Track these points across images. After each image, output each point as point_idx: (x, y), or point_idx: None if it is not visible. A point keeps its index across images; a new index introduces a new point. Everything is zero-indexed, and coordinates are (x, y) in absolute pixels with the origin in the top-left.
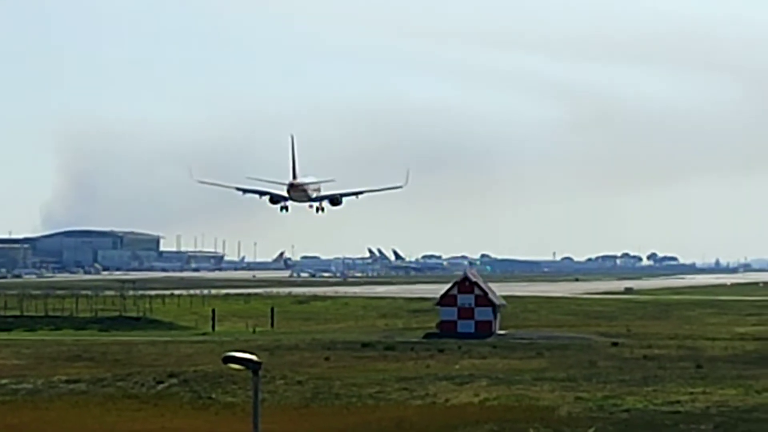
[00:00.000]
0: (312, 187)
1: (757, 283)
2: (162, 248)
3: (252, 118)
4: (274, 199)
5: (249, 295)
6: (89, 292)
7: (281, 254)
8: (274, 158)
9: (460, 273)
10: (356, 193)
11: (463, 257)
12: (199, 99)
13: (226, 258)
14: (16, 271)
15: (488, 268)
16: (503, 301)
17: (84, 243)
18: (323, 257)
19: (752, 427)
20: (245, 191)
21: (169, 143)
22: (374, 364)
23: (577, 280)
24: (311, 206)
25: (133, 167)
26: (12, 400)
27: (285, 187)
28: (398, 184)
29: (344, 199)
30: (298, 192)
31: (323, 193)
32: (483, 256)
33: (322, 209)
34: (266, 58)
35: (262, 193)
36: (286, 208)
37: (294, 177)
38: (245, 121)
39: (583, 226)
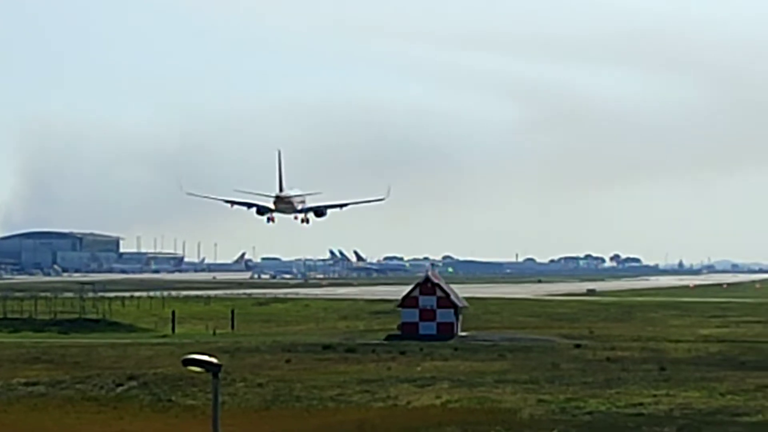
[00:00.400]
0: (297, 199)
1: (720, 285)
2: (122, 250)
3: (216, 119)
4: (261, 210)
5: (209, 296)
6: (48, 294)
7: (242, 255)
8: (237, 158)
9: (422, 274)
10: (341, 205)
11: (425, 259)
12: (160, 100)
13: (186, 259)
14: None
15: (450, 269)
16: (465, 303)
17: (43, 244)
18: (284, 259)
19: (716, 430)
20: (233, 203)
21: (128, 144)
22: (335, 366)
23: (539, 281)
24: (296, 217)
25: (93, 168)
26: None
27: (272, 200)
28: (380, 197)
29: (328, 211)
30: (284, 204)
31: (308, 204)
32: (445, 257)
33: (307, 221)
34: (230, 60)
35: (249, 205)
36: (273, 219)
37: (281, 189)
38: (209, 121)
39: (546, 228)
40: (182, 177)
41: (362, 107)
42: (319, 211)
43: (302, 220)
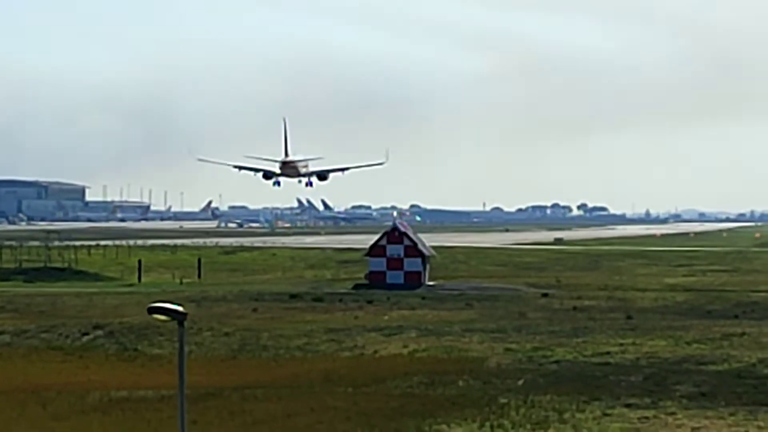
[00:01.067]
0: (302, 164)
1: (687, 234)
2: (88, 198)
3: (174, 65)
4: (267, 175)
5: (176, 245)
6: (13, 243)
7: (208, 204)
8: (194, 104)
9: (390, 223)
10: (342, 169)
11: (393, 207)
12: (128, 49)
13: (153, 208)
14: None
15: (418, 218)
16: (433, 252)
17: (8, 193)
18: (251, 207)
19: (682, 378)
20: (241, 168)
21: (95, 93)
22: (302, 315)
23: (507, 230)
24: (300, 181)
25: (59, 116)
26: None
27: (277, 165)
28: (380, 161)
29: (330, 175)
30: (289, 169)
31: (312, 169)
32: (413, 206)
33: (311, 184)
34: (198, 12)
35: (256, 170)
36: (278, 183)
37: (286, 155)
38: (170, 68)
39: (513, 177)
40: (147, 125)
41: (327, 59)
42: (322, 175)
43: (306, 184)
